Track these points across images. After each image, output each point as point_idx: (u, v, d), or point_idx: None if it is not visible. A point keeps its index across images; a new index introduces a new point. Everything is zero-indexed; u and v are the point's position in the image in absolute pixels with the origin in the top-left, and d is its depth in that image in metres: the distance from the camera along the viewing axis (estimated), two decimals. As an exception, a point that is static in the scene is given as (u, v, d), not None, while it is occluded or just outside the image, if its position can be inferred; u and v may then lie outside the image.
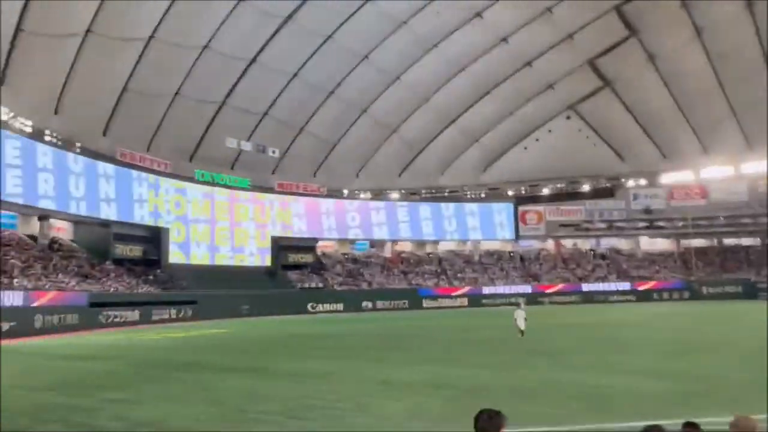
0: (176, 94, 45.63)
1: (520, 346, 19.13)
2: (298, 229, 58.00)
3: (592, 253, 65.82)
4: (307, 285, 54.42)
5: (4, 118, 35.44)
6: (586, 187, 64.59)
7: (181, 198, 50.02)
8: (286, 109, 51.59)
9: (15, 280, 30.74)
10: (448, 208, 64.29)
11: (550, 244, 67.01)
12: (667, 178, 63.32)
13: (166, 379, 13.74)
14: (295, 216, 57.98)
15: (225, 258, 52.78)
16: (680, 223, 61.18)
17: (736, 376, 12.06)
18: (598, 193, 64.63)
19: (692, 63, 50.69)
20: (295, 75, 49.01)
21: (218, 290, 44.86)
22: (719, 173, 61.05)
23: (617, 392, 10.47)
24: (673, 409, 8.08)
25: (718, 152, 58.66)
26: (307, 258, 57.31)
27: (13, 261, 33.23)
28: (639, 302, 54.45)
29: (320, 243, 59.71)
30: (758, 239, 60.57)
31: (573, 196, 64.74)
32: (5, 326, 26.97)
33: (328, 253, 61.62)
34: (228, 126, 49.68)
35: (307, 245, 57.71)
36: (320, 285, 55.14)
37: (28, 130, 37.48)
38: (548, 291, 58.34)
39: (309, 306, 50.91)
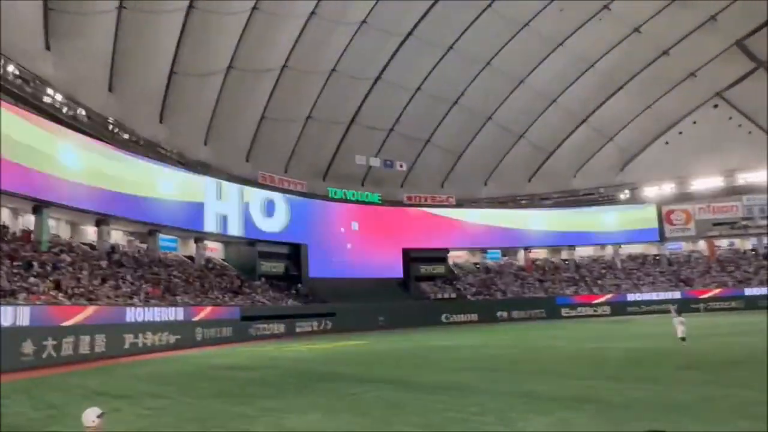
0: (308, 117, 48.41)
1: (671, 358, 17.66)
2: (428, 240, 58.31)
3: (753, 253, 59.24)
4: (440, 296, 54.54)
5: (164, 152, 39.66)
6: (742, 181, 58.38)
7: (316, 215, 52.60)
8: (411, 123, 52.59)
9: (178, 297, 34.05)
10: (584, 212, 61.25)
11: (701, 245, 61.39)
12: (844, 165, 55.34)
13: (314, 389, 14.39)
14: (425, 228, 58.35)
15: (359, 271, 54.45)
16: None
17: None
18: (758, 187, 58.06)
19: None
20: (418, 89, 49.94)
21: (355, 303, 46.44)
22: None
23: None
24: None
25: None
26: (439, 269, 57.57)
27: (176, 280, 36.92)
28: (816, 307, 47.90)
29: (451, 253, 59.69)
30: None
31: (727, 191, 58.84)
32: (172, 339, 30.01)
33: (460, 263, 61.39)
34: (357, 144, 51.73)
35: (438, 256, 57.97)
36: (453, 296, 54.98)
37: (183, 162, 41.50)
38: (703, 296, 53.36)
39: (443, 317, 50.97)
